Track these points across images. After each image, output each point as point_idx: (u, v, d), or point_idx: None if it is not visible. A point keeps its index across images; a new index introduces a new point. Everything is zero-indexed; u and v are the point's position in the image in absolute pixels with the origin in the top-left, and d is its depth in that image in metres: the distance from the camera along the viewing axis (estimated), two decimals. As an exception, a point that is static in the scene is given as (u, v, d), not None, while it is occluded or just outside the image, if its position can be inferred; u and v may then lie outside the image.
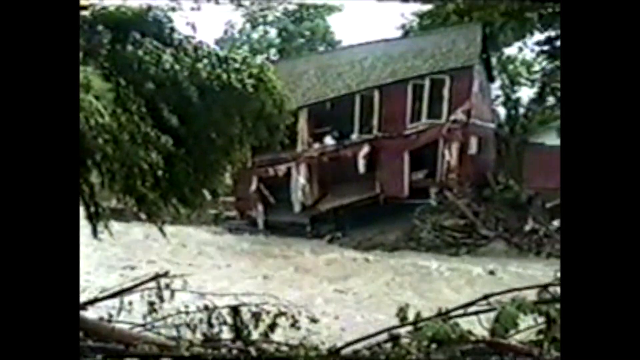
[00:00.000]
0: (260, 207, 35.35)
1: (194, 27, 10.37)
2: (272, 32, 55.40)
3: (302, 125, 34.00)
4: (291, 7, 54.61)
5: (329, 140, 34.48)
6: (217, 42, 49.46)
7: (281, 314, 8.52)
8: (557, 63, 43.54)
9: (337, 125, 34.69)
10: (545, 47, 42.13)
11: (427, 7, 43.94)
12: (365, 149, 33.24)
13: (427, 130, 32.76)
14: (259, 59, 42.24)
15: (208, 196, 10.94)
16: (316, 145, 34.53)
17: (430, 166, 32.93)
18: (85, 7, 9.29)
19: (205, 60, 10.06)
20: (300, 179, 34.42)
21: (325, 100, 35.01)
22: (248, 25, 55.22)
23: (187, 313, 8.59)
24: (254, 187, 35.19)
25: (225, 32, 54.62)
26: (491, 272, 25.38)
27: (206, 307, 8.70)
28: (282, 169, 34.62)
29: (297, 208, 34.54)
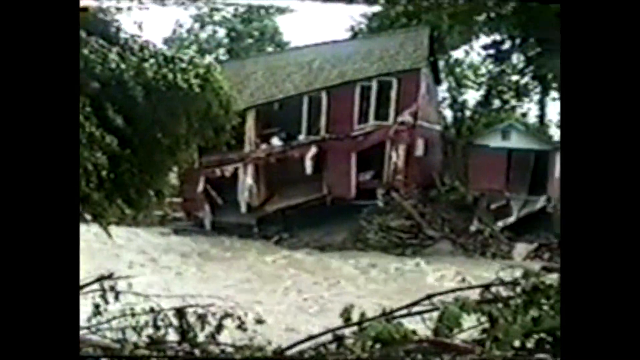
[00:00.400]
0: (207, 208, 35.13)
1: (140, 27, 10.31)
2: (221, 32, 55.10)
3: (250, 125, 33.95)
4: (240, 8, 54.43)
5: (276, 141, 34.49)
6: (165, 42, 49.00)
7: (227, 315, 8.47)
8: (503, 67, 44.36)
9: (285, 126, 34.72)
10: (492, 51, 42.78)
11: (376, 9, 44.23)
12: (313, 150, 33.36)
13: (374, 131, 33.01)
14: (208, 59, 41.97)
15: (153, 197, 10.85)
16: (264, 146, 34.52)
17: (377, 167, 33.19)
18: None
19: (152, 60, 9.99)
20: (247, 179, 34.34)
21: (273, 101, 35.03)
22: (197, 25, 54.84)
23: (132, 315, 8.48)
24: (201, 187, 34.95)
25: (174, 31, 54.10)
26: (433, 270, 25.64)
27: (152, 310, 8.61)
28: (229, 169, 34.48)
29: (244, 209, 34.44)
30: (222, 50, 53.82)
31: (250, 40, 53.65)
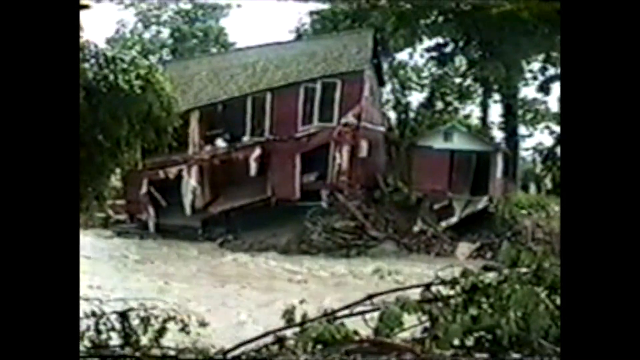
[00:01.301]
0: (151, 210, 34.83)
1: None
2: (165, 32, 54.65)
3: (194, 127, 33.77)
4: (185, 7, 54.05)
5: (220, 143, 34.38)
6: (108, 42, 48.39)
7: (170, 318, 8.40)
8: (446, 69, 44.88)
9: (229, 128, 34.67)
10: (435, 54, 43.22)
11: (321, 9, 44.37)
12: (257, 152, 33.34)
13: (318, 133, 33.13)
14: (151, 59, 41.58)
15: (94, 199, 10.73)
16: (207, 148, 34.38)
17: (321, 169, 33.32)
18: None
19: (92, 60, 9.90)
20: (191, 181, 34.14)
21: (217, 103, 34.93)
22: (140, 25, 54.27)
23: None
24: (144, 189, 34.65)
25: (117, 31, 53.50)
26: (377, 270, 25.79)
27: (93, 314, 8.49)
28: (173, 171, 34.23)
29: (188, 211, 34.21)
30: (166, 51, 53.38)
31: (194, 41, 53.31)
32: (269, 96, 33.67)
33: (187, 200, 34.22)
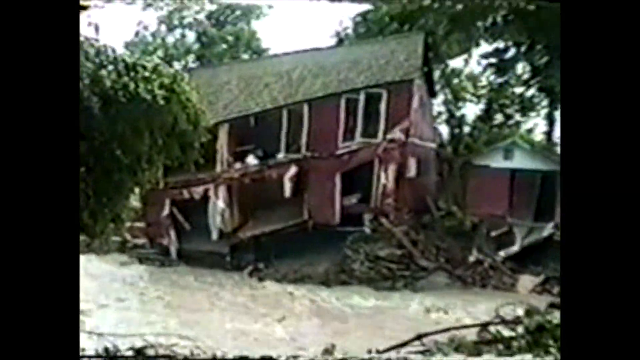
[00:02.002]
0: (173, 234, 35.04)
1: (97, 28, 10.26)
2: (191, 36, 55.06)
3: (222, 142, 33.97)
4: (213, 8, 54.41)
5: (251, 160, 34.50)
6: (126, 46, 48.93)
7: (192, 358, 8.39)
8: (506, 77, 44.54)
9: (262, 143, 34.80)
10: (493, 60, 42.95)
11: (365, 10, 44.39)
12: (292, 170, 33.41)
13: (361, 150, 33.07)
14: (176, 66, 41.93)
15: (110, 222, 10.78)
16: (237, 165, 34.49)
17: (364, 190, 33.22)
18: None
19: (110, 67, 9.97)
20: (219, 202, 34.28)
21: (248, 115, 35.05)
22: (163, 28, 54.74)
23: (82, 358, 8.38)
24: (166, 211, 34.90)
25: (137, 34, 53.94)
26: (428, 310, 25.57)
27: (106, 351, 8.53)
28: (198, 191, 34.45)
29: (215, 235, 34.34)
30: (191, 57, 53.82)
31: (223, 46, 53.72)
32: (306, 108, 33.77)
33: (213, 223, 34.37)
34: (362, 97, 33.14)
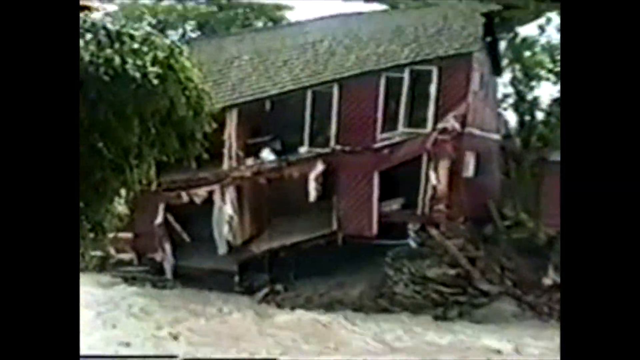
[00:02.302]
0: (168, 248, 35.17)
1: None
2: (190, -1, 55.17)
3: (231, 132, 33.96)
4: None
5: (267, 155, 34.45)
6: (107, 13, 48.95)
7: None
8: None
9: (281, 134, 34.84)
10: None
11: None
12: (319, 168, 33.33)
13: (405, 142, 32.86)
14: (171, 35, 42.00)
15: (89, 232, 10.80)
16: (250, 162, 34.48)
17: (409, 193, 33.02)
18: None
19: (88, 36, 9.99)
20: (226, 208, 34.30)
21: (263, 98, 34.93)
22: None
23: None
24: (159, 219, 35.03)
25: (120, -5, 54.09)
26: (498, 352, 25.42)
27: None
28: (200, 193, 34.57)
29: (221, 250, 34.42)
30: (191, 24, 53.86)
31: (230, 12, 53.74)
32: (336, 90, 33.60)
33: (219, 234, 34.43)
34: (406, 76, 32.93)
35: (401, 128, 32.95)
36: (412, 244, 32.52)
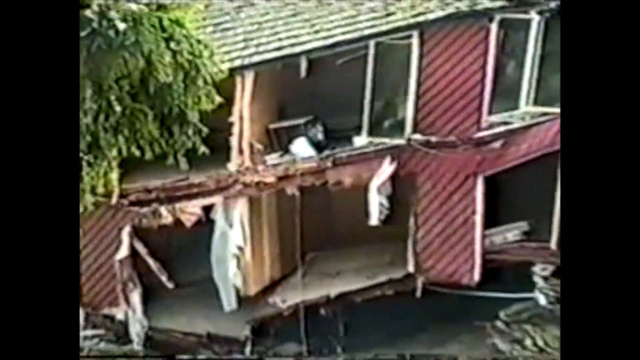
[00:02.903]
0: (136, 299, 34.73)
1: None
2: None
3: (242, 110, 33.17)
4: None
5: (301, 147, 33.63)
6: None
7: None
8: None
9: (323, 115, 34.21)
10: None
11: None
12: (387, 171, 32.86)
13: (530, 129, 32.32)
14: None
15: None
16: (272, 158, 33.81)
17: (535, 214, 32.57)
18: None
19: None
20: (233, 234, 33.81)
21: (296, 55, 34.20)
22: None
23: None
24: (123, 251, 34.56)
25: None
26: None
27: None
28: (192, 210, 34.10)
29: (226, 302, 34.08)
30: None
31: None
32: (415, 42, 33.11)
33: (222, 276, 33.99)
34: (535, 19, 32.27)
35: (524, 106, 32.36)
36: (542, 299, 32.09)
